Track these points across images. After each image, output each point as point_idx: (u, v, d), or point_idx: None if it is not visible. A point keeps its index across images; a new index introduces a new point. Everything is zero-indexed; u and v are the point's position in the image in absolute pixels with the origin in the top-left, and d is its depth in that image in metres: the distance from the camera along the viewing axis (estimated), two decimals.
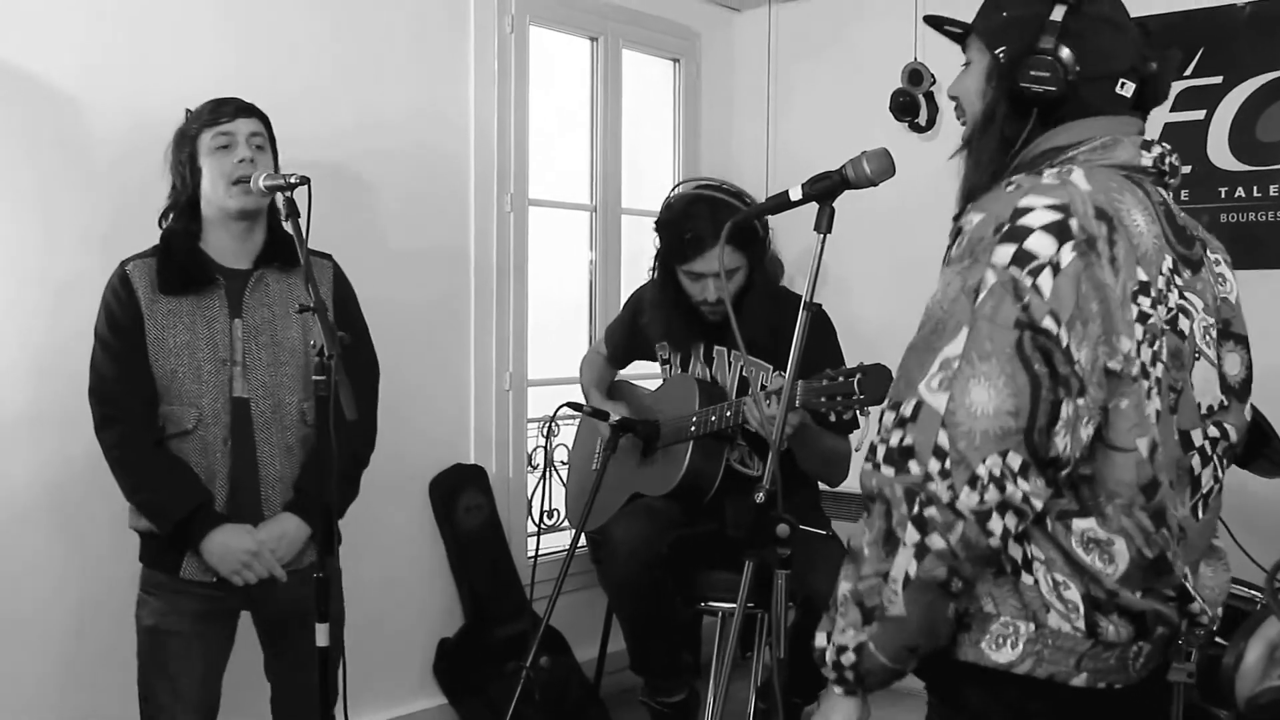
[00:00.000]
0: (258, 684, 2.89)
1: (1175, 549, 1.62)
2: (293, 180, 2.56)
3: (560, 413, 4.72)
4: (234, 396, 2.68)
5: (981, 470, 1.49)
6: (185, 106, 2.78)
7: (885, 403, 1.60)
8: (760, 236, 3.22)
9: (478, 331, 4.16)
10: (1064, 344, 1.52)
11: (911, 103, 4.48)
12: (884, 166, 2.06)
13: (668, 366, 3.46)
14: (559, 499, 4.71)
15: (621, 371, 3.78)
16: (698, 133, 5.02)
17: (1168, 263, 1.65)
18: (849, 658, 1.58)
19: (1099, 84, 1.71)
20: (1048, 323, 1.51)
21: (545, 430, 4.07)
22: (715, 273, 3.15)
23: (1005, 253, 1.54)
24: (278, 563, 2.68)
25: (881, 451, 1.56)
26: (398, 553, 3.94)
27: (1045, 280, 1.52)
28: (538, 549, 3.81)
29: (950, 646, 1.62)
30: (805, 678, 3.07)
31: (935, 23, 1.94)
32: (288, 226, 2.52)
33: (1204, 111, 4.06)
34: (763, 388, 3.12)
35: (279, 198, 2.55)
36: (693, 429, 3.17)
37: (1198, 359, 1.68)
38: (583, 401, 3.53)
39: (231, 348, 2.68)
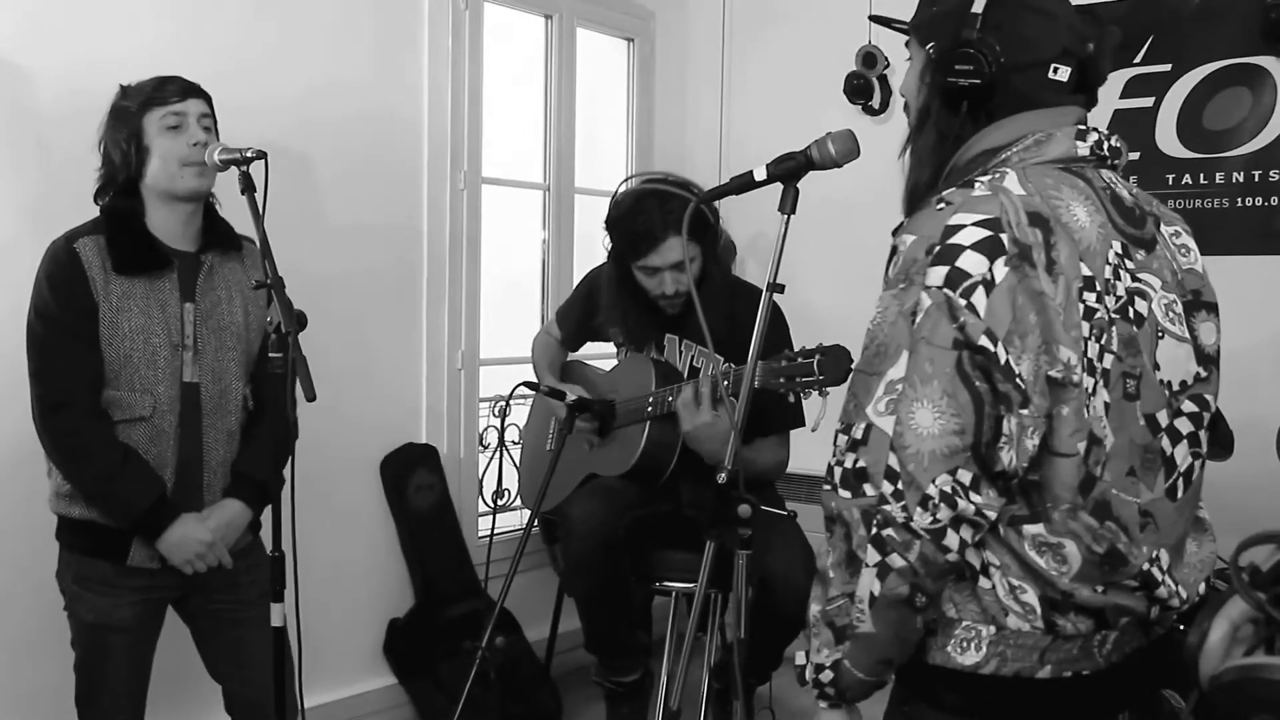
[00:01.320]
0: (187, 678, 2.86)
1: (1132, 538, 1.63)
2: (249, 154, 2.52)
3: (514, 392, 4.75)
4: (184, 382, 2.64)
5: (932, 490, 1.52)
6: (120, 80, 2.68)
7: (838, 424, 1.61)
8: (712, 224, 3.22)
9: (430, 310, 4.13)
10: (1002, 360, 1.53)
11: (865, 85, 4.50)
12: (849, 148, 2.06)
13: (622, 349, 3.46)
14: (510, 479, 4.71)
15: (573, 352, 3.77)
16: (651, 113, 5.01)
17: (1115, 249, 1.64)
18: (827, 675, 1.62)
19: (1029, 72, 1.69)
20: (984, 341, 1.52)
21: (499, 410, 4.04)
22: (671, 265, 3.15)
23: (938, 274, 1.55)
24: (225, 550, 2.67)
25: (838, 474, 1.59)
26: (348, 532, 3.90)
27: (979, 298, 1.53)
28: (493, 529, 3.79)
29: (919, 650, 1.65)
30: (760, 658, 3.11)
31: (883, 23, 1.94)
32: (244, 200, 2.48)
33: (1153, 99, 4.11)
34: (677, 388, 3.11)
35: (234, 173, 2.51)
36: (649, 409, 3.16)
37: (1161, 338, 1.68)
38: (535, 381, 3.51)
39: (184, 333, 2.64)
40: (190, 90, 2.66)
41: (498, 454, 4.63)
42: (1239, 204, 4.01)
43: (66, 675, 2.72)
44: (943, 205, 1.61)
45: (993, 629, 1.62)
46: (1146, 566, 1.65)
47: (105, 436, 2.57)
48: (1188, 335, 1.72)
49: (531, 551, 3.97)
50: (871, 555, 1.55)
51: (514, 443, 4.73)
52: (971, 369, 1.52)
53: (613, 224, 3.26)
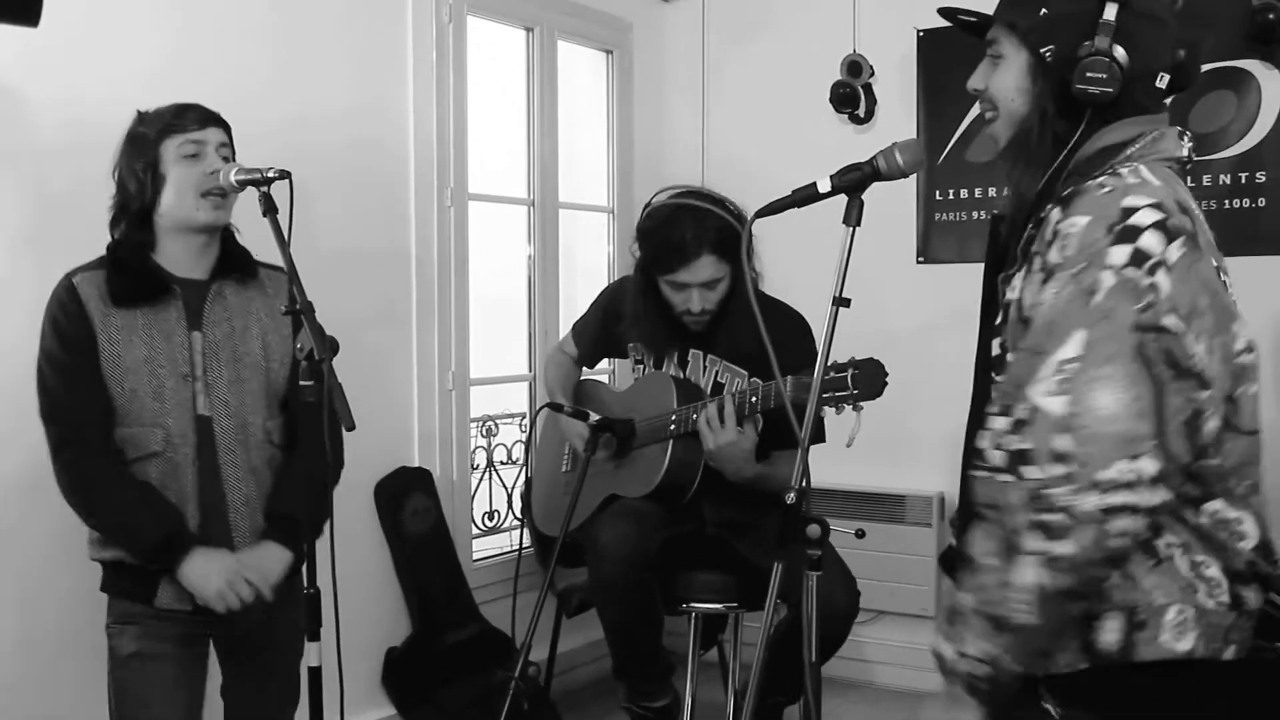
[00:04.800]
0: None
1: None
2: (270, 175, 2.44)
3: (499, 413, 4.67)
4: (197, 414, 2.52)
5: (1106, 475, 1.49)
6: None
7: (994, 409, 1.58)
8: (746, 244, 3.17)
9: (419, 330, 4.05)
10: (1185, 341, 1.53)
11: (851, 94, 4.48)
12: (917, 157, 2.03)
13: (641, 366, 3.39)
14: (500, 500, 4.63)
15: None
16: (631, 125, 4.95)
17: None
18: (981, 669, 1.57)
19: (1143, 81, 1.72)
20: (1169, 320, 1.53)
21: (525, 430, 3.91)
22: (701, 283, 3.10)
23: (1121, 253, 1.55)
24: (257, 589, 2.54)
25: (996, 458, 1.55)
26: (343, 560, 3.78)
27: (1162, 279, 1.54)
28: (519, 550, 3.67)
29: (1116, 652, 1.59)
30: (794, 677, 3.06)
31: (952, 15, 1.92)
32: (266, 223, 2.39)
33: None
34: (701, 405, 3.07)
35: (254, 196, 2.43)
36: (672, 427, 3.10)
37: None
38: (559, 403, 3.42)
39: (191, 362, 2.53)
40: (210, 119, 2.56)
41: (487, 475, 4.56)
42: (1226, 206, 4.04)
43: None
44: (1109, 189, 1.62)
45: (1192, 610, 1.59)
46: None
47: (117, 471, 2.47)
48: None
49: (529, 573, 3.90)
50: (1033, 542, 1.51)
51: (501, 463, 4.67)
52: (1155, 351, 1.52)
53: (645, 235, 3.20)
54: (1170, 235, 1.56)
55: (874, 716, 4.23)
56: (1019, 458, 1.52)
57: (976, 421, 1.80)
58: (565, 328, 4.53)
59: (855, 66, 4.49)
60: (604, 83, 4.89)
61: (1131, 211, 1.57)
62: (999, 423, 1.57)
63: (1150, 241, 1.55)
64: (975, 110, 4.39)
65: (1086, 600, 1.56)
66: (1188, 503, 1.59)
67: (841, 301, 2.04)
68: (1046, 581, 1.51)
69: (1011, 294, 1.70)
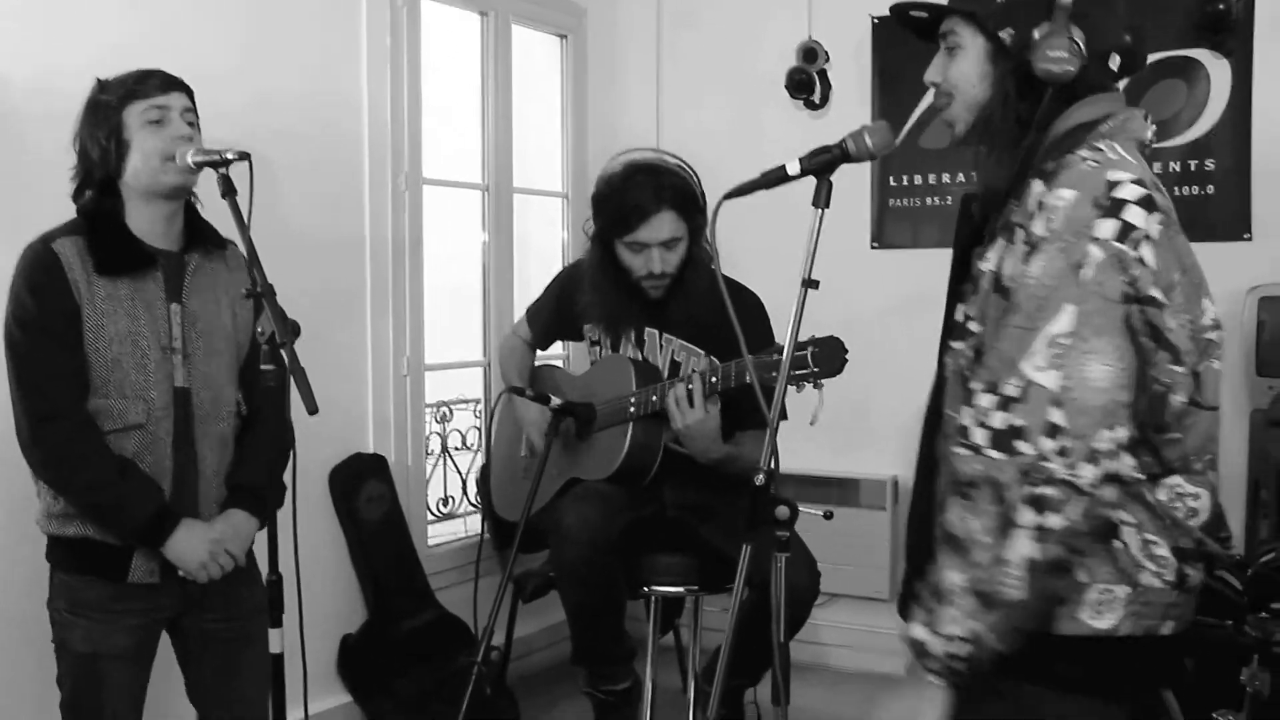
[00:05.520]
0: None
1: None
2: (229, 156, 2.41)
3: (453, 398, 4.65)
4: (176, 387, 2.50)
5: (1099, 445, 1.52)
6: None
7: (978, 385, 1.59)
8: (702, 207, 3.17)
9: (374, 315, 4.01)
10: (1164, 314, 1.57)
11: (807, 80, 4.49)
12: (886, 140, 2.03)
13: (597, 348, 3.38)
14: (454, 486, 4.61)
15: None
16: (585, 111, 4.93)
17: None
18: (963, 647, 1.58)
19: (1098, 61, 1.75)
20: (1153, 291, 1.56)
21: (491, 417, 3.86)
22: (660, 241, 3.09)
23: (1109, 227, 1.57)
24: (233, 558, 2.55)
25: (984, 435, 1.56)
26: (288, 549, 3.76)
27: (1147, 251, 1.57)
28: (481, 536, 3.64)
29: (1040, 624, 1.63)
30: (755, 659, 3.07)
31: (902, 10, 1.94)
32: (226, 205, 2.36)
33: None
34: (670, 383, 3.06)
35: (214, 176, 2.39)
36: (632, 409, 3.10)
37: None
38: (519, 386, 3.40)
39: (171, 334, 2.50)
40: (173, 83, 2.52)
41: (442, 461, 4.54)
42: (1175, 193, 4.09)
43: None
44: (1093, 164, 1.64)
45: (1128, 589, 1.63)
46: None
47: (99, 447, 2.43)
48: None
49: (483, 559, 3.88)
50: (1027, 516, 1.53)
51: (456, 449, 4.64)
52: (1140, 323, 1.56)
53: (602, 200, 3.19)
54: (1151, 209, 1.59)
55: (829, 699, 4.26)
56: (1012, 434, 1.54)
57: (939, 398, 1.82)
58: (520, 313, 4.51)
59: (810, 53, 4.49)
60: (558, 68, 4.87)
61: (1116, 185, 1.60)
62: (984, 400, 1.58)
63: (1135, 215, 1.58)
64: (930, 97, 4.42)
65: (1070, 573, 1.58)
66: (1148, 478, 1.62)
67: (810, 283, 2.04)
68: (1038, 555, 1.53)
69: (986, 265, 1.71)
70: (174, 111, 2.49)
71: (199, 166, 2.44)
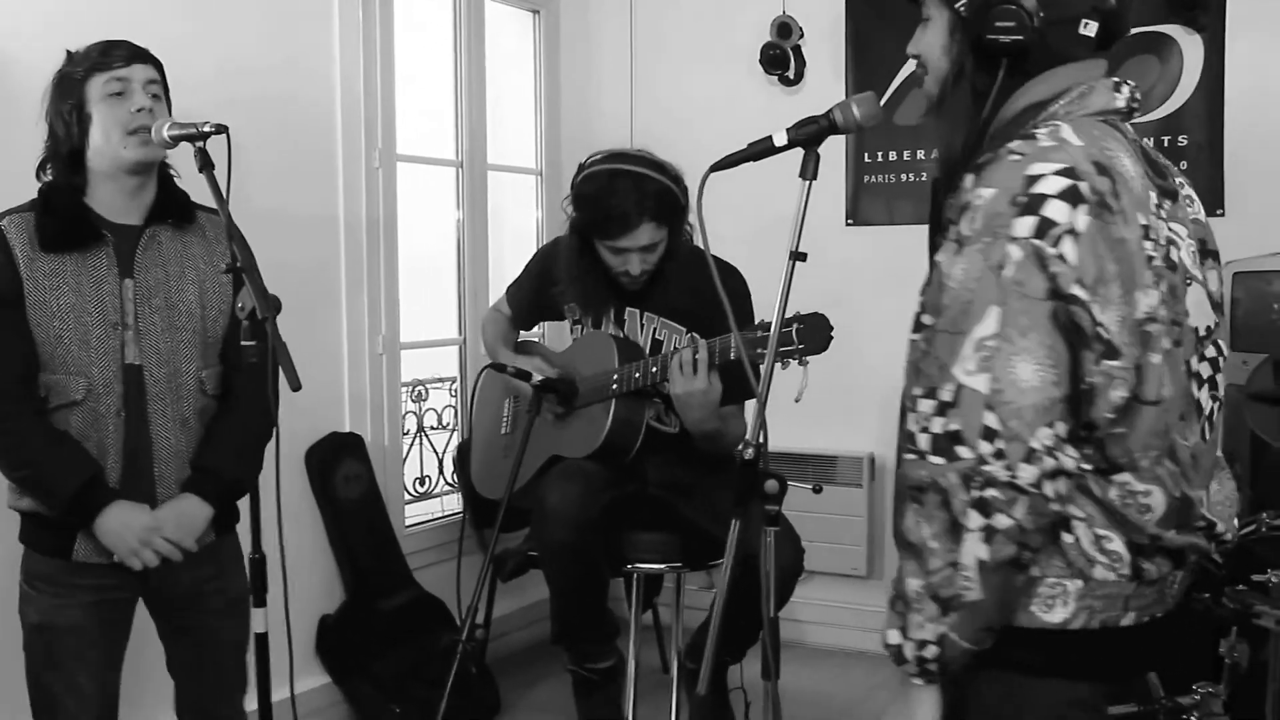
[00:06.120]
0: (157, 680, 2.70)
1: (1190, 481, 1.67)
2: (206, 129, 2.37)
3: (429, 377, 4.61)
4: (126, 364, 2.46)
5: (1035, 443, 1.50)
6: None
7: (918, 390, 1.58)
8: (683, 207, 3.15)
9: (349, 293, 3.97)
10: (1091, 309, 1.53)
11: (781, 56, 4.48)
12: (873, 111, 2.02)
13: (579, 327, 3.36)
14: (431, 465, 4.58)
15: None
16: (558, 87, 4.90)
17: (1153, 199, 1.66)
18: (931, 650, 1.57)
19: (1062, 28, 1.69)
20: (1075, 289, 1.52)
21: (472, 393, 3.84)
22: (640, 247, 3.09)
23: (1026, 224, 1.53)
24: (175, 546, 2.49)
25: (925, 441, 1.55)
26: (274, 526, 3.72)
27: (1068, 247, 1.52)
28: (464, 515, 3.63)
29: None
30: (739, 636, 3.07)
31: None
32: (202, 179, 2.33)
33: None
34: (674, 350, 3.05)
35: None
36: (614, 386, 3.08)
37: (1189, 285, 1.70)
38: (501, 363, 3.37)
39: (122, 310, 2.46)
40: (138, 55, 2.47)
41: (418, 440, 4.51)
42: None
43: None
44: (1016, 157, 1.59)
45: (1079, 582, 1.61)
46: (1201, 507, 1.69)
47: (33, 421, 2.41)
48: (1204, 281, 1.76)
49: (460, 538, 3.86)
50: (974, 519, 1.51)
51: (432, 428, 4.62)
52: (1065, 319, 1.52)
53: (583, 200, 3.16)
54: (1077, 201, 1.54)
55: (806, 675, 4.28)
56: (950, 439, 1.53)
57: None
58: (494, 291, 4.49)
59: (785, 28, 4.48)
60: (530, 43, 4.83)
61: (1035, 179, 1.55)
62: (924, 405, 1.57)
63: (1055, 210, 1.53)
64: (904, 72, 4.42)
65: (1026, 570, 1.58)
66: (1096, 474, 1.60)
67: (798, 255, 2.03)
68: (987, 556, 1.52)
69: (939, 256, 1.68)
70: (135, 84, 2.44)
71: (175, 140, 2.40)
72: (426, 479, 4.54)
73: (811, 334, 2.61)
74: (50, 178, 2.49)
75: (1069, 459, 1.53)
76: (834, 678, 4.31)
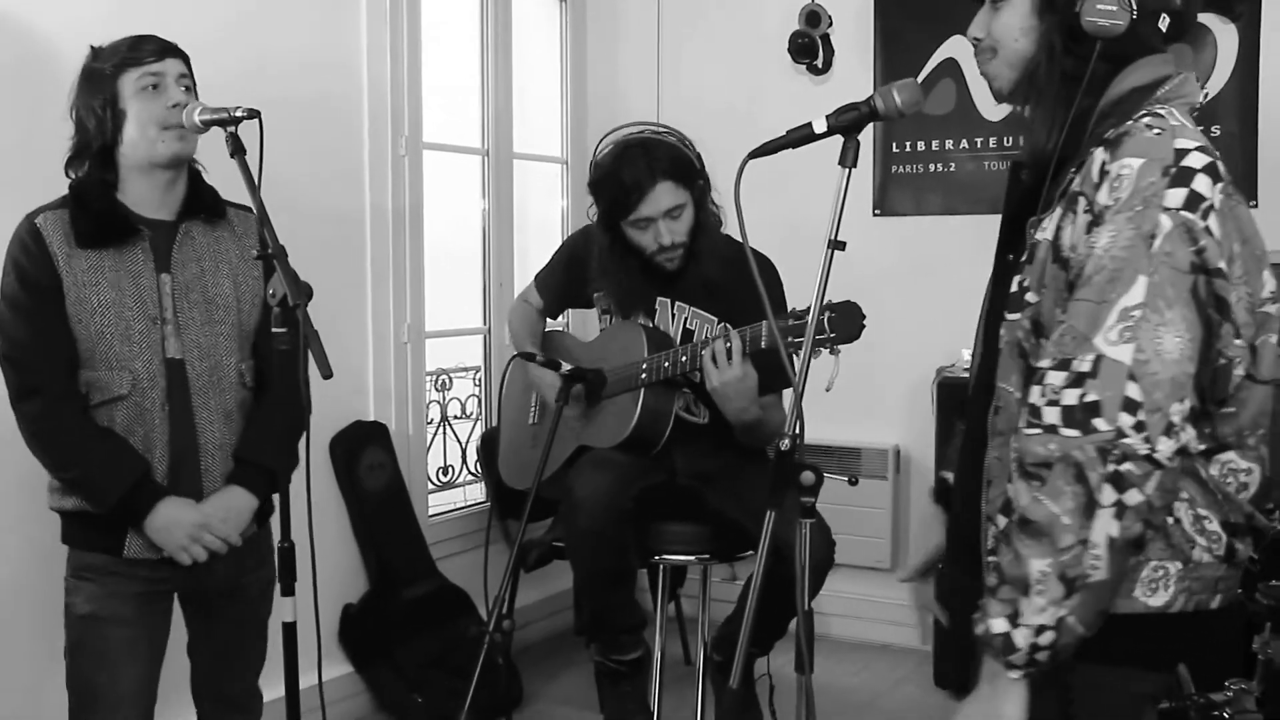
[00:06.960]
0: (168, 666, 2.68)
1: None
2: (238, 114, 2.35)
3: (453, 366, 4.60)
4: (168, 358, 2.44)
5: (1174, 417, 1.50)
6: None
7: (1048, 362, 1.55)
8: (699, 169, 3.12)
9: (374, 282, 3.96)
10: (1227, 286, 1.55)
11: (810, 44, 4.44)
12: (915, 97, 1.98)
13: (608, 316, 3.34)
14: (454, 455, 4.57)
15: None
16: (584, 76, 4.88)
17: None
18: (1048, 636, 1.53)
19: (1149, 21, 1.70)
20: (1221, 264, 1.54)
21: (502, 381, 3.81)
22: (664, 213, 3.05)
23: (1178, 196, 1.54)
24: (224, 540, 2.48)
25: (1056, 414, 1.53)
26: (300, 515, 3.71)
27: (1214, 222, 1.54)
28: (491, 504, 3.61)
29: None
30: (768, 628, 3.05)
31: None
32: (235, 163, 2.31)
33: None
34: (704, 340, 3.02)
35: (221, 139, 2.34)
36: (644, 375, 3.06)
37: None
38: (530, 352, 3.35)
39: (160, 305, 2.44)
40: (168, 50, 2.46)
41: (442, 429, 4.50)
42: None
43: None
44: (1158, 130, 1.60)
45: (1179, 564, 1.61)
46: None
47: (78, 420, 2.39)
48: None
49: (483, 529, 3.84)
50: (1108, 495, 1.49)
51: (456, 418, 4.60)
52: (1206, 294, 1.53)
53: (598, 185, 3.13)
54: (1216, 179, 1.56)
55: (829, 668, 4.25)
56: (1087, 410, 1.51)
57: (989, 373, 1.77)
58: (519, 280, 4.47)
59: (814, 17, 4.45)
60: (557, 32, 4.80)
61: (1184, 153, 1.56)
62: (1055, 377, 1.55)
63: (1202, 184, 1.55)
64: (933, 62, 4.39)
65: (1142, 550, 1.57)
66: (1201, 454, 1.59)
67: (837, 244, 2.00)
68: (1117, 534, 1.50)
69: (1043, 235, 1.67)
70: (169, 78, 2.43)
71: (206, 125, 2.39)
72: (450, 468, 4.53)
73: (844, 322, 2.58)
74: (82, 174, 2.47)
75: (1191, 438, 1.53)
76: (857, 671, 4.29)
